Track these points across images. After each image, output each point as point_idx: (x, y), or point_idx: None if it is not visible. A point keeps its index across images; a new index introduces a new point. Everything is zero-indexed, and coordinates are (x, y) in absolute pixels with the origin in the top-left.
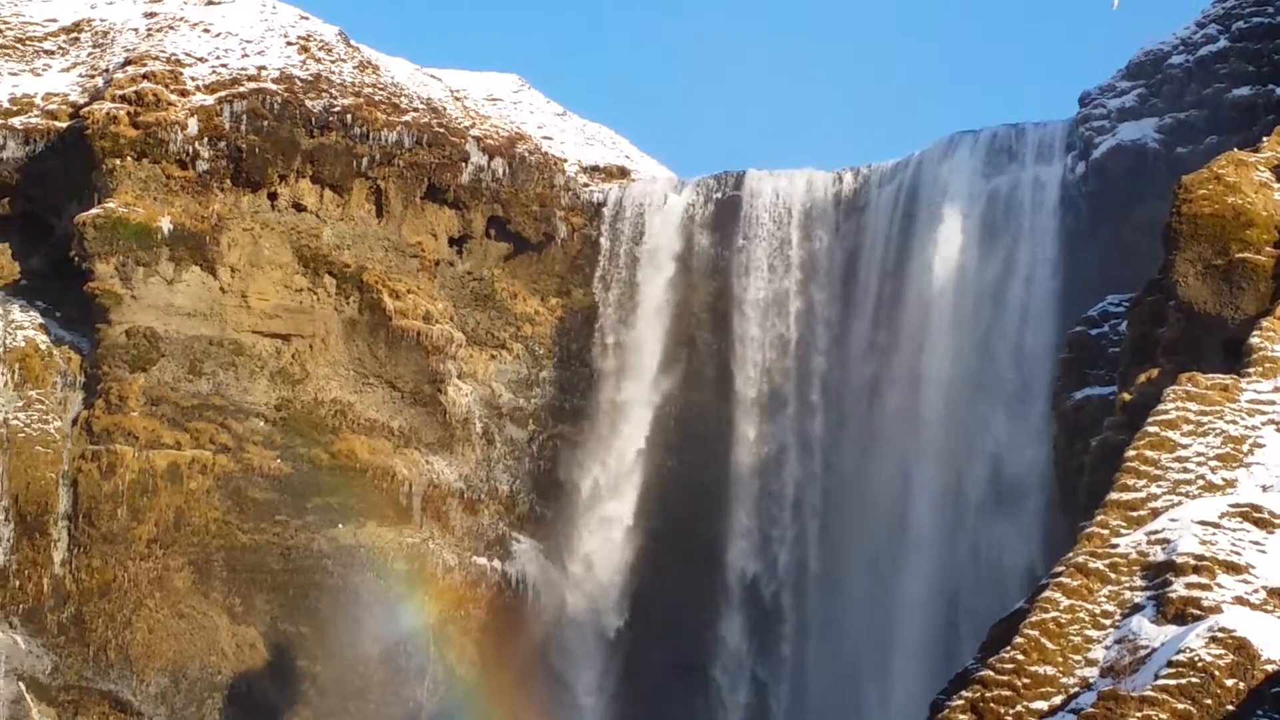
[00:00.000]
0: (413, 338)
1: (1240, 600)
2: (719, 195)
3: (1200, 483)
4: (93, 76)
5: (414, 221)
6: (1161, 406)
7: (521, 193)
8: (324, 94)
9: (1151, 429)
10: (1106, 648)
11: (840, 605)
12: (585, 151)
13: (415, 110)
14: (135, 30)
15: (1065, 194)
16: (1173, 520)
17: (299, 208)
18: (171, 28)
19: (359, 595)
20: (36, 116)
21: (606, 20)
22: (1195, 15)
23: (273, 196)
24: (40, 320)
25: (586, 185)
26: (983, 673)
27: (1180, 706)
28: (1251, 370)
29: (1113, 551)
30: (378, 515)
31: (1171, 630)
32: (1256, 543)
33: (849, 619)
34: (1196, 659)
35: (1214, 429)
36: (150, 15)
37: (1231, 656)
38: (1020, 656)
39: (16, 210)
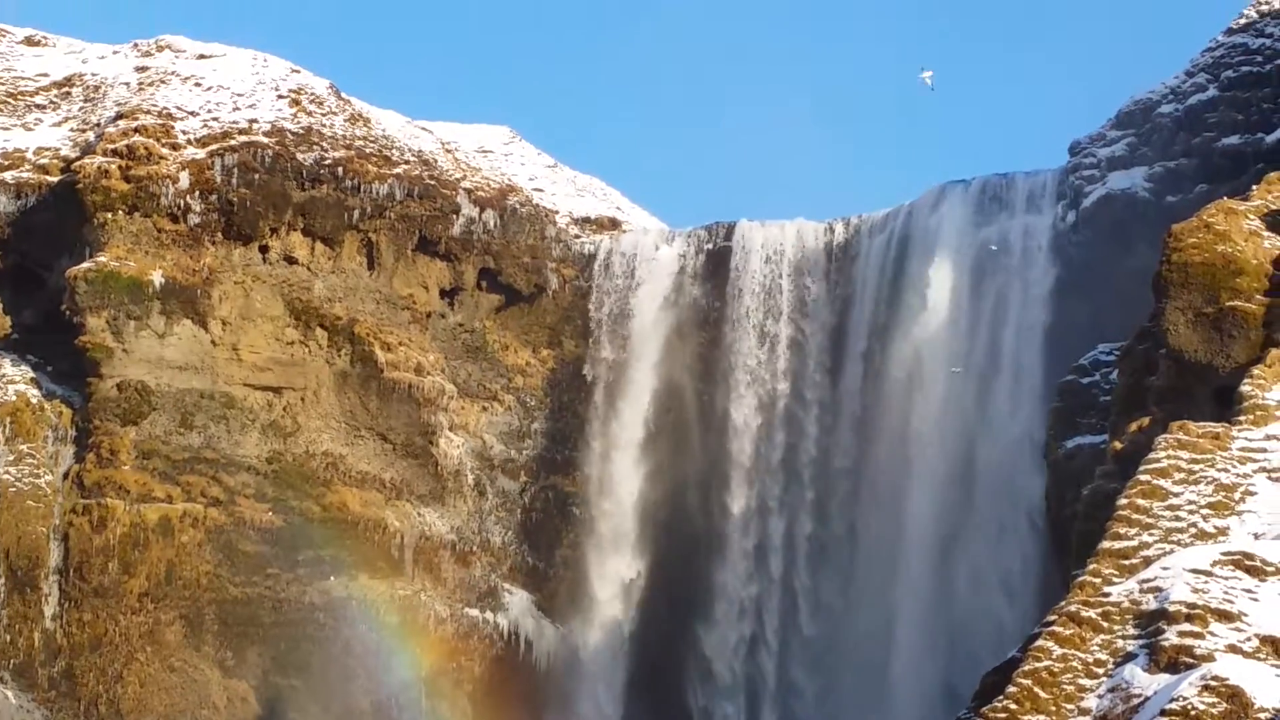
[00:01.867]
0: (404, 390)
1: (1233, 648)
2: (710, 246)
3: (1192, 531)
4: (84, 131)
5: (405, 274)
6: (1153, 455)
7: (513, 244)
8: (315, 147)
9: (1143, 477)
10: (1099, 696)
11: (834, 646)
12: (576, 203)
13: (406, 163)
14: (127, 84)
15: (1055, 243)
16: (1165, 568)
17: (290, 260)
18: (163, 81)
19: (351, 648)
20: (28, 171)
21: (597, 73)
22: (1184, 65)
23: (264, 249)
24: (31, 374)
25: (578, 236)
26: None
27: None
28: (1243, 418)
29: (1105, 600)
30: (369, 567)
31: (1164, 679)
32: (1249, 591)
33: (843, 657)
34: (1189, 708)
35: (1205, 477)
36: (142, 70)
37: (1224, 705)
38: (1013, 705)
39: (8, 264)
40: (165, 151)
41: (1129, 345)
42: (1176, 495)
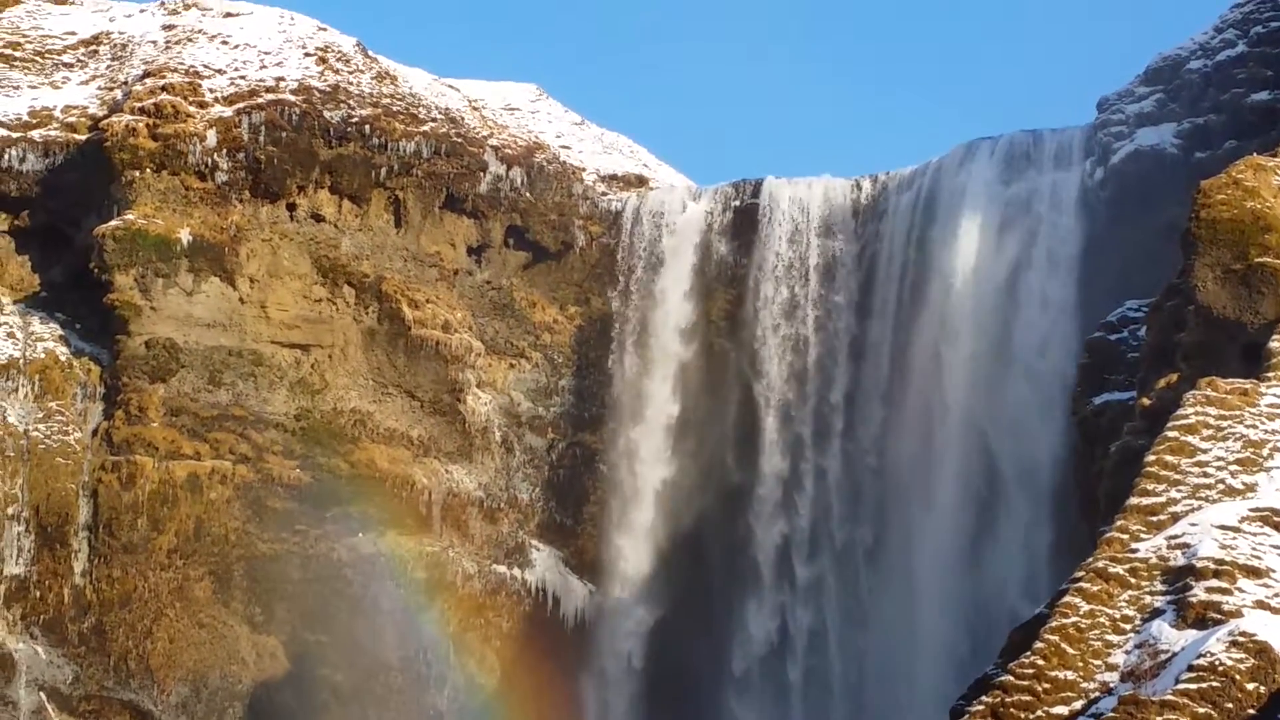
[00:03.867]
0: (431, 347)
1: (1261, 604)
2: (737, 203)
3: (1220, 487)
4: (111, 89)
5: (432, 231)
6: (1181, 411)
7: (540, 202)
8: (342, 105)
9: (1171, 434)
10: (1127, 652)
11: (863, 592)
12: (603, 160)
13: (433, 120)
14: (154, 43)
15: (1083, 199)
16: (1193, 525)
17: (317, 218)
18: (190, 40)
19: (379, 604)
20: (56, 129)
21: (623, 29)
22: (1213, 20)
23: (291, 207)
24: (60, 332)
25: (605, 194)
26: (1003, 678)
27: (1201, 710)
28: (1271, 375)
29: (1133, 556)
30: (397, 524)
31: (1192, 634)
32: (1277, 547)
33: (871, 604)
34: (1217, 663)
35: (1234, 433)
36: (168, 28)
37: (1252, 660)
38: (1040, 661)
39: (36, 222)
40: (192, 109)
41: (1157, 302)
42: (1205, 452)
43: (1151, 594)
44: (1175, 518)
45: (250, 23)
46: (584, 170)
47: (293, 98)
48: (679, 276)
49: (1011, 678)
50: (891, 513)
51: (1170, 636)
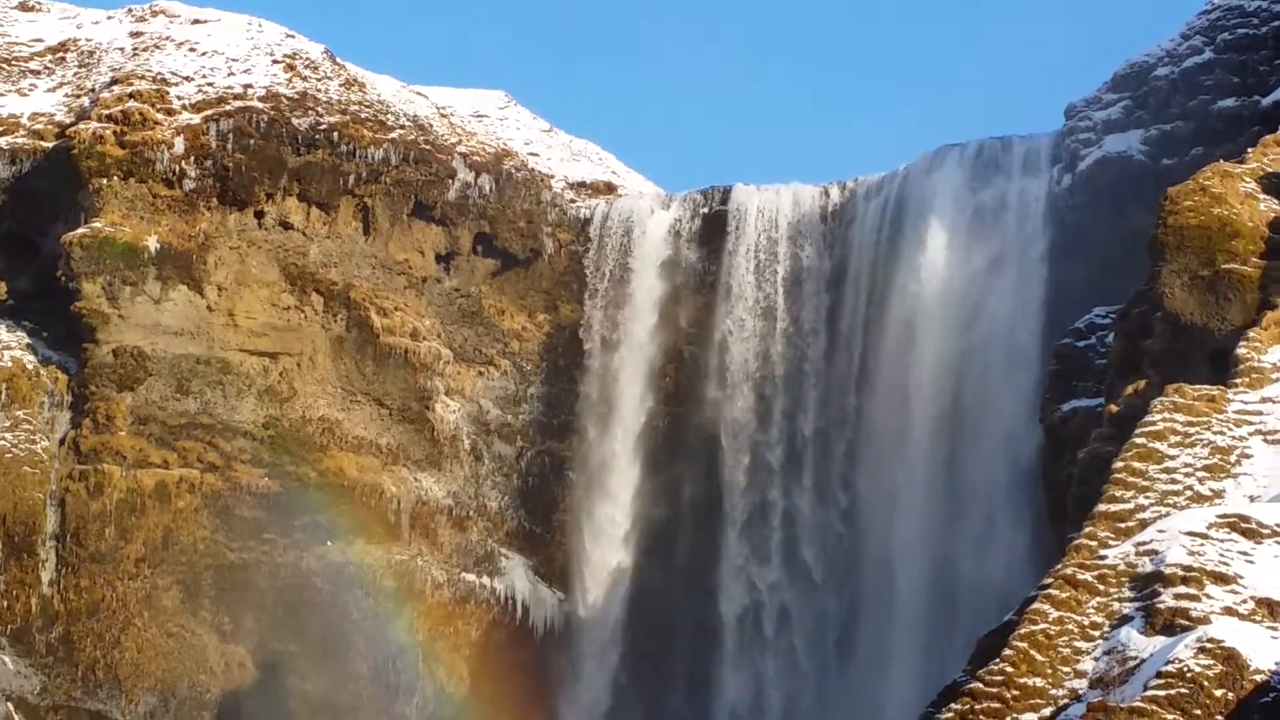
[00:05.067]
0: (400, 355)
1: (1229, 611)
2: (706, 210)
3: (1188, 494)
4: (79, 96)
5: (401, 239)
6: (1149, 418)
7: (508, 209)
8: (310, 112)
9: (1139, 440)
10: (1095, 659)
11: (834, 607)
12: (572, 167)
13: (402, 127)
14: (121, 50)
15: (1051, 206)
16: (1161, 531)
17: (286, 226)
18: (157, 47)
19: (348, 612)
20: (23, 136)
21: (592, 37)
22: (1180, 27)
23: (259, 215)
24: (27, 340)
25: (573, 201)
26: (972, 685)
27: (1170, 717)
28: (1238, 381)
29: (1101, 563)
30: (366, 533)
31: (1160, 641)
32: (1244, 553)
33: (843, 620)
34: (1185, 670)
35: (1201, 440)
36: (136, 35)
37: (1220, 667)
38: (1009, 669)
39: (3, 230)
40: (160, 117)
41: (1125, 308)
42: (1172, 458)
43: (1120, 601)
44: (1143, 524)
45: (218, 30)
46: (552, 177)
47: (260, 105)
48: (648, 283)
49: (980, 684)
50: (859, 521)
51: (1139, 643)
